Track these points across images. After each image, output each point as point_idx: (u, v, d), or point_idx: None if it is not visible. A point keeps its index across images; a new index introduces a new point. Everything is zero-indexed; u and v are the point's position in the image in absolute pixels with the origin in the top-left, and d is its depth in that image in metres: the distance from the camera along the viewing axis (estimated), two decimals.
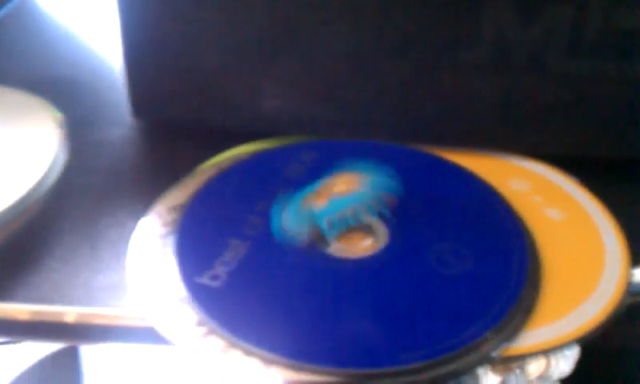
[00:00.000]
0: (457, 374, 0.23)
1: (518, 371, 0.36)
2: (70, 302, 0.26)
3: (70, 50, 0.42)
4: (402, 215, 0.28)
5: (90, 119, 0.36)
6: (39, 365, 0.30)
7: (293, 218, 0.27)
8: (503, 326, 0.24)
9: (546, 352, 0.25)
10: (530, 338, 0.25)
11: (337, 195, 0.28)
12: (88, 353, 0.28)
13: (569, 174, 0.31)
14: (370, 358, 0.23)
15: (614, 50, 0.31)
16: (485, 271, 0.26)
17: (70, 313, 0.25)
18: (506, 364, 0.35)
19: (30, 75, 0.38)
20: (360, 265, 0.26)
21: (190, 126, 0.34)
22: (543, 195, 0.30)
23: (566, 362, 0.36)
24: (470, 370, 0.24)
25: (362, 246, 0.27)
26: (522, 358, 0.27)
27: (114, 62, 0.40)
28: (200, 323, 0.24)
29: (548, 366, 0.36)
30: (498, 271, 0.26)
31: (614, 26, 0.30)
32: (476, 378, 0.35)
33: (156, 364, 0.29)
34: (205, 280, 0.25)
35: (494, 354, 0.24)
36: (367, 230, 0.28)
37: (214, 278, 0.25)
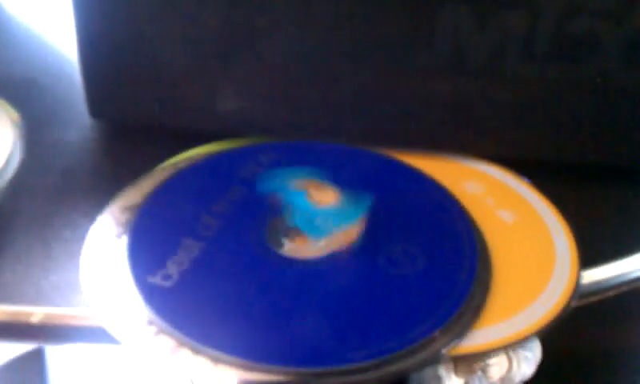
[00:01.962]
0: (405, 373, 0.24)
1: (480, 373, 0.36)
2: (21, 301, 0.26)
3: (29, 50, 0.42)
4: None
5: (47, 120, 0.36)
6: (4, 368, 0.29)
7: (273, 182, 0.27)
8: (452, 325, 0.25)
9: (495, 351, 0.25)
10: (479, 337, 0.25)
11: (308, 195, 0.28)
12: (54, 356, 0.28)
13: (522, 177, 0.32)
14: (318, 357, 0.23)
15: (566, 55, 0.31)
16: (435, 271, 0.26)
17: (19, 312, 0.25)
18: (462, 365, 0.35)
19: None
20: (312, 266, 0.26)
21: (148, 128, 0.34)
22: (496, 197, 0.31)
23: (527, 365, 0.37)
24: (419, 368, 0.24)
25: (315, 248, 0.27)
26: (471, 357, 0.28)
27: (73, 63, 0.40)
28: (150, 322, 0.24)
29: (510, 368, 0.37)
30: (448, 271, 0.26)
31: (565, 32, 0.31)
32: (438, 380, 0.36)
33: (120, 368, 0.29)
34: (157, 279, 0.25)
35: (443, 352, 0.24)
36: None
37: (166, 277, 0.25)
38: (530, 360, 0.36)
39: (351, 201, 0.28)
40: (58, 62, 0.41)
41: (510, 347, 0.36)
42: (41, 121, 0.35)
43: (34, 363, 0.28)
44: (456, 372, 0.36)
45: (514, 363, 0.36)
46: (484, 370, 0.36)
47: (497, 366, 0.36)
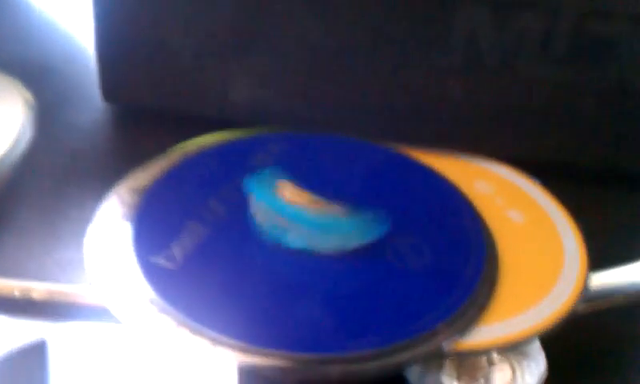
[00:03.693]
0: (406, 365, 0.23)
1: (482, 381, 0.36)
2: (23, 276, 0.26)
3: (44, 33, 0.42)
4: (364, 210, 0.28)
5: (59, 102, 0.36)
6: (5, 359, 0.29)
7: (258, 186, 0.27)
8: (455, 320, 0.24)
9: (499, 349, 0.25)
10: (482, 334, 0.25)
11: (313, 210, 0.27)
12: (56, 348, 0.28)
13: (532, 178, 0.31)
14: (319, 343, 0.23)
15: (584, 58, 0.31)
16: (441, 267, 0.26)
17: (18, 287, 0.25)
18: (465, 372, 0.35)
19: (2, 56, 0.38)
20: (317, 255, 0.26)
21: (160, 113, 0.34)
22: (506, 197, 0.30)
23: (531, 376, 0.36)
24: (421, 361, 0.24)
25: None
26: (474, 364, 0.27)
27: (86, 47, 0.40)
28: (152, 302, 0.24)
29: (513, 377, 0.36)
30: (455, 267, 0.26)
31: (584, 34, 0.30)
32: None
33: (123, 362, 0.29)
34: (160, 260, 0.25)
35: (446, 346, 0.24)
36: None
37: (170, 258, 0.25)
38: (533, 371, 0.36)
39: (363, 222, 0.27)
40: (72, 46, 0.41)
41: (514, 356, 0.35)
42: (54, 103, 0.35)
43: (36, 355, 0.28)
44: (458, 379, 0.36)
45: (518, 373, 0.36)
46: (486, 378, 0.35)
47: (500, 373, 0.36)
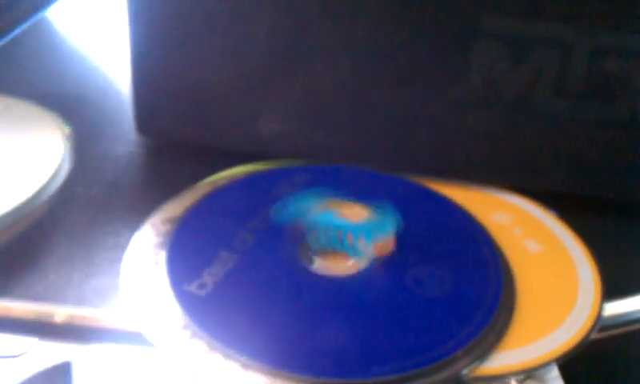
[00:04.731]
0: None
1: None
2: (63, 303, 0.27)
3: (82, 69, 0.44)
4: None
5: (95, 135, 0.38)
6: (30, 381, 0.31)
7: (291, 208, 0.28)
8: (474, 346, 0.25)
9: (515, 374, 0.26)
10: (500, 360, 0.26)
11: (336, 213, 0.29)
12: (79, 371, 0.29)
13: (549, 209, 0.32)
14: (343, 369, 0.24)
15: (598, 93, 0.32)
16: (460, 295, 0.27)
17: (59, 312, 0.27)
18: None
19: (41, 90, 0.40)
20: (340, 282, 0.27)
21: (191, 146, 0.36)
22: (523, 228, 0.31)
23: None
24: None
25: (344, 266, 0.28)
26: (491, 379, 0.28)
27: (121, 82, 0.42)
28: (185, 327, 0.25)
29: None
30: (473, 295, 0.27)
31: (597, 70, 0.32)
32: None
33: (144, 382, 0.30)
34: (192, 288, 0.27)
35: (465, 372, 0.25)
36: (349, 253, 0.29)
37: (201, 286, 0.27)
38: None
39: (381, 215, 0.29)
40: (107, 82, 0.43)
41: (530, 379, 0.36)
42: (89, 135, 0.37)
43: (61, 377, 0.29)
44: None
45: None
46: None
47: None
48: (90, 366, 0.28)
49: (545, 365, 0.26)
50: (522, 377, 0.36)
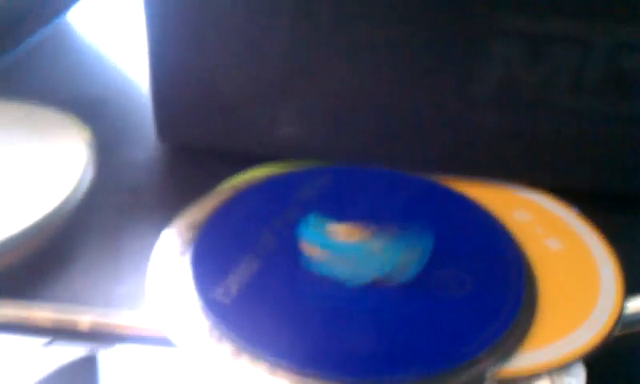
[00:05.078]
0: None
1: None
2: (90, 309, 0.28)
3: (101, 72, 0.44)
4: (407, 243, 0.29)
5: (116, 140, 0.38)
6: (57, 373, 0.31)
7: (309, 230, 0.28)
8: (498, 347, 0.26)
9: (538, 375, 0.26)
10: (523, 360, 0.26)
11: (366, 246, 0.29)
12: (105, 363, 0.30)
13: (570, 206, 0.33)
14: (369, 370, 0.24)
15: (617, 90, 0.32)
16: (482, 295, 0.27)
17: (85, 317, 0.27)
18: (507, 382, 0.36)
19: (62, 95, 0.40)
20: (365, 284, 0.28)
21: (211, 150, 0.36)
22: (544, 226, 0.31)
23: None
24: None
25: None
26: (513, 380, 0.28)
27: (141, 86, 0.42)
28: (211, 331, 0.26)
29: None
30: (496, 295, 0.27)
31: (617, 67, 0.32)
32: None
33: (171, 378, 0.30)
34: (218, 292, 0.27)
35: (488, 373, 0.25)
36: None
37: (227, 289, 0.27)
38: None
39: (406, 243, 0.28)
40: (126, 85, 0.43)
41: (554, 372, 0.36)
42: (110, 140, 0.37)
43: (86, 369, 0.29)
44: None
45: None
46: None
47: None
48: (116, 358, 0.28)
49: (569, 364, 0.26)
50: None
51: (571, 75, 0.32)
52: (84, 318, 0.28)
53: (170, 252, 0.29)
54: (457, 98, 0.33)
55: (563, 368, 0.26)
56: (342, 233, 0.28)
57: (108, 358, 0.29)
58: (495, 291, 0.27)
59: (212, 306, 0.26)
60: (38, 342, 0.29)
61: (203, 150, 0.36)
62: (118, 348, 0.28)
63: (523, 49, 0.32)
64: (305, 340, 0.25)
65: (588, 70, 0.32)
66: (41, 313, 0.28)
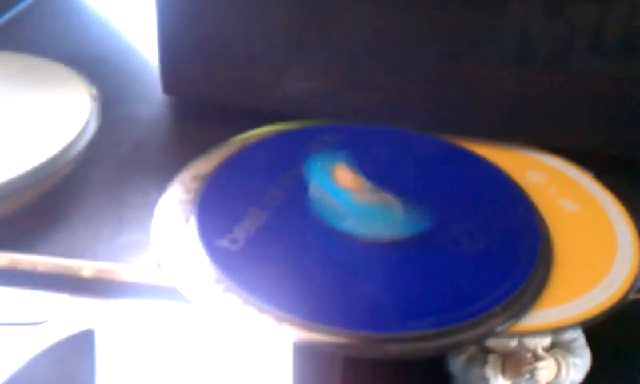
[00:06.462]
0: (463, 345, 0.24)
1: (527, 376, 0.36)
2: (92, 258, 0.27)
3: (101, 30, 0.44)
4: (420, 199, 0.28)
5: (119, 96, 0.37)
6: (55, 347, 0.31)
7: (315, 170, 0.28)
8: (511, 303, 0.25)
9: (549, 331, 0.25)
10: (535, 318, 0.25)
11: (371, 199, 0.28)
12: (103, 337, 0.29)
13: (584, 169, 0.32)
14: (379, 322, 0.24)
15: (635, 50, 0.31)
16: (497, 252, 0.27)
17: (87, 267, 0.26)
18: (510, 366, 0.35)
19: (63, 52, 0.40)
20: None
21: (218, 106, 0.35)
22: (558, 187, 0.31)
23: (576, 372, 0.37)
24: (476, 342, 0.24)
25: None
26: (520, 359, 0.28)
27: (146, 44, 0.41)
28: (218, 281, 0.25)
29: (558, 373, 0.36)
30: (510, 252, 0.27)
31: (635, 26, 0.31)
32: (486, 381, 0.36)
33: (168, 352, 0.30)
34: (224, 243, 0.26)
35: (500, 329, 0.24)
36: None
37: (233, 241, 0.26)
38: (578, 367, 0.36)
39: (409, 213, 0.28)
40: (128, 43, 0.43)
41: (559, 352, 0.36)
42: (114, 96, 0.36)
43: (84, 343, 0.29)
44: (503, 373, 0.36)
45: (563, 369, 0.36)
46: (532, 373, 0.36)
47: (545, 370, 0.36)
48: (112, 334, 0.28)
49: (584, 323, 0.25)
50: (548, 344, 0.36)
51: (588, 35, 0.31)
52: (86, 269, 0.27)
53: (175, 203, 0.28)
54: (471, 56, 0.32)
55: (577, 327, 0.26)
56: (347, 180, 0.27)
57: (105, 333, 0.29)
58: (509, 248, 0.27)
59: (218, 257, 0.26)
60: (32, 318, 0.28)
61: (209, 106, 0.35)
62: (115, 321, 0.27)
63: (539, 6, 0.31)
64: (312, 292, 0.24)
65: (606, 29, 0.31)
66: (41, 263, 0.27)
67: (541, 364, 0.36)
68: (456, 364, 0.36)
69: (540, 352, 0.36)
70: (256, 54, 0.34)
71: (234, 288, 0.24)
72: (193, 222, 0.27)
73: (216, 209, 0.28)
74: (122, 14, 0.46)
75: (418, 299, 0.24)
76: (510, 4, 0.31)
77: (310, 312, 0.24)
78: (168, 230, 0.27)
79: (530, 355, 0.36)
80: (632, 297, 0.27)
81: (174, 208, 0.28)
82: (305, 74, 0.34)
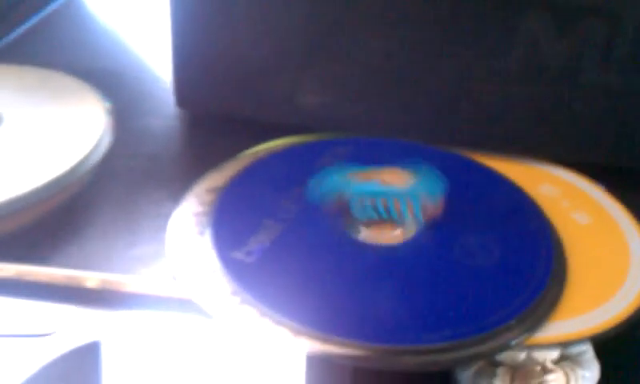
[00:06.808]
0: (480, 358, 0.24)
1: None
2: (106, 270, 0.27)
3: (113, 44, 0.44)
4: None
5: (133, 109, 0.37)
6: (61, 359, 0.31)
7: (330, 182, 0.28)
8: (527, 316, 0.25)
9: (562, 344, 0.26)
10: (548, 330, 0.25)
11: (379, 181, 0.29)
12: (109, 350, 0.29)
13: (596, 182, 0.32)
14: (394, 335, 0.24)
15: None
16: (512, 265, 0.27)
17: (98, 279, 0.27)
18: (519, 378, 0.35)
19: (76, 66, 0.40)
20: (389, 251, 0.27)
21: (231, 119, 0.35)
22: (571, 200, 0.31)
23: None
24: (491, 355, 0.25)
25: (391, 235, 0.28)
26: (529, 372, 0.28)
27: (159, 57, 0.42)
28: (234, 293, 0.25)
29: None
30: (525, 265, 0.27)
31: None
32: None
33: (176, 364, 0.30)
34: (239, 255, 0.26)
35: (516, 342, 0.25)
36: (397, 221, 0.29)
37: (248, 253, 0.26)
38: (587, 379, 0.36)
39: (426, 178, 0.28)
40: (140, 57, 0.43)
41: (568, 365, 0.36)
42: (127, 109, 0.37)
43: (90, 355, 0.29)
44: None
45: (572, 382, 0.36)
46: None
47: (554, 383, 0.36)
48: (119, 346, 0.28)
49: (597, 336, 0.25)
50: (557, 357, 0.36)
51: (599, 49, 0.32)
52: (95, 279, 0.27)
53: (190, 215, 0.29)
54: (482, 70, 0.33)
55: (592, 340, 0.26)
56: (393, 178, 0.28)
57: (111, 345, 0.29)
58: (524, 261, 0.27)
59: (234, 269, 0.26)
60: (39, 330, 0.28)
61: (222, 119, 0.35)
62: (122, 333, 0.27)
63: (551, 22, 0.31)
64: (329, 304, 0.25)
65: (617, 44, 0.31)
66: (55, 275, 0.27)
67: (550, 377, 0.36)
68: (464, 377, 0.36)
69: (549, 365, 0.36)
70: (269, 68, 0.34)
71: (251, 300, 0.24)
72: (208, 234, 0.27)
73: (231, 221, 0.28)
74: (136, 27, 0.46)
75: (433, 312, 0.25)
76: (523, 19, 0.31)
77: (327, 324, 0.24)
78: (183, 242, 0.27)
79: (539, 368, 0.36)
80: None
81: (188, 220, 0.28)
82: (317, 87, 0.34)
